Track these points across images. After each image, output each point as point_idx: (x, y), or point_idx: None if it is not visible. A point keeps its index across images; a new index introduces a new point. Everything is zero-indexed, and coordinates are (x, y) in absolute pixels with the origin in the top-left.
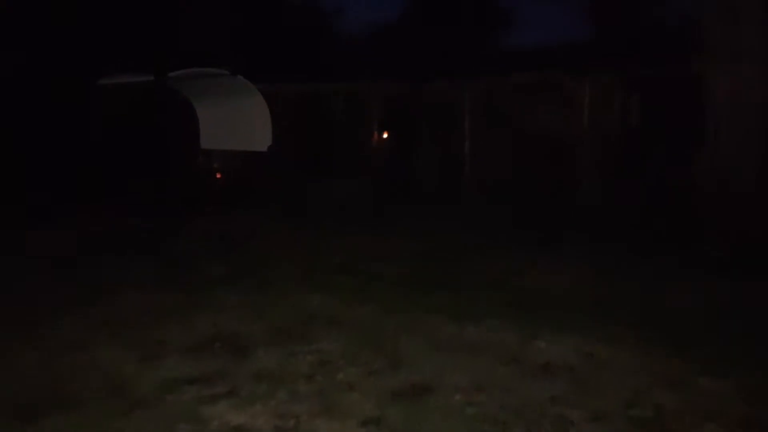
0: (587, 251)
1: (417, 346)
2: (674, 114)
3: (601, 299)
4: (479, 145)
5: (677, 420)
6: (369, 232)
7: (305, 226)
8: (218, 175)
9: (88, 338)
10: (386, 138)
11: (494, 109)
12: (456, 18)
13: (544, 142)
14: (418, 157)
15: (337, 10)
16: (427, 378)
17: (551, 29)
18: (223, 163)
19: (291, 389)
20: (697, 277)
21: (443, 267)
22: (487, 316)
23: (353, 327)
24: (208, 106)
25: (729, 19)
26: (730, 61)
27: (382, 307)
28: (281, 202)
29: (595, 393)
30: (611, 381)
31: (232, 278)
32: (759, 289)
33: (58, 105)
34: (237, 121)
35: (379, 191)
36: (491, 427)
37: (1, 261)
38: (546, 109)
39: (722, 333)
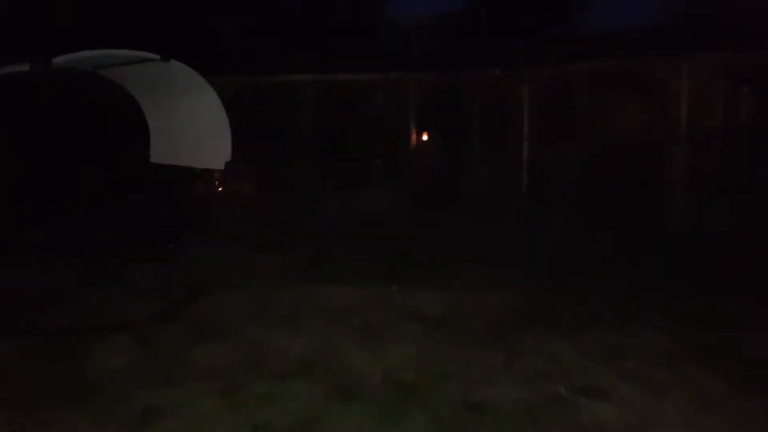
0: (697, 315)
1: None
2: None
3: None
4: (541, 148)
5: None
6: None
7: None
8: (218, 187)
9: None
10: (427, 140)
11: (560, 104)
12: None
13: (623, 146)
14: (466, 163)
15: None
16: None
17: (625, 13)
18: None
19: None
20: None
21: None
22: None
23: None
24: (150, 105)
25: None
26: None
27: None
28: (271, 227)
29: None
30: None
31: None
32: None
33: None
34: (183, 126)
35: (418, 205)
36: None
37: None
38: (627, 105)
39: None
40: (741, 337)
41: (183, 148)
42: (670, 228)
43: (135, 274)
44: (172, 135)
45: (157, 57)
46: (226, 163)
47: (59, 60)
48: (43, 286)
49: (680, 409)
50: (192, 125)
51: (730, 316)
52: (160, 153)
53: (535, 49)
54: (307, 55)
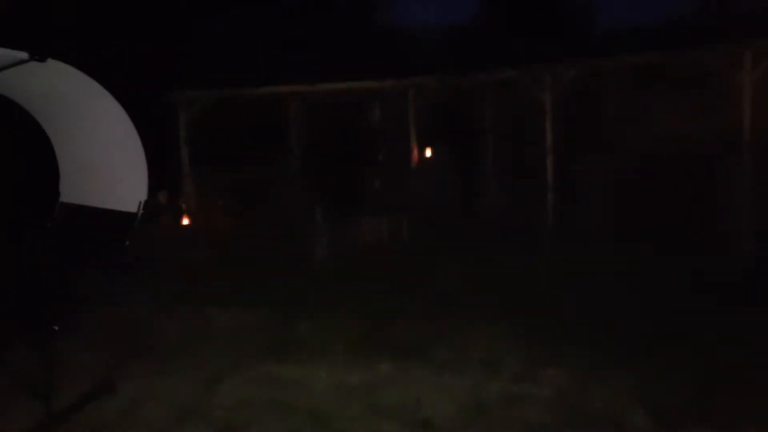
0: None
1: None
2: None
3: None
4: (568, 163)
5: None
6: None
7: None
8: (185, 219)
9: None
10: (432, 156)
11: (589, 110)
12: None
13: (668, 159)
14: (479, 183)
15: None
16: None
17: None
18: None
19: None
20: None
21: None
22: None
23: None
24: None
25: None
26: None
27: None
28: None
29: None
30: None
31: None
32: None
33: None
34: (80, 154)
35: (422, 234)
36: None
37: None
38: (672, 108)
39: None
40: None
41: (87, 183)
42: (735, 260)
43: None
44: (77, 165)
45: (25, 55)
46: (143, 203)
47: None
48: None
49: None
50: (89, 151)
51: None
52: (66, 188)
53: (557, 47)
54: (288, 63)
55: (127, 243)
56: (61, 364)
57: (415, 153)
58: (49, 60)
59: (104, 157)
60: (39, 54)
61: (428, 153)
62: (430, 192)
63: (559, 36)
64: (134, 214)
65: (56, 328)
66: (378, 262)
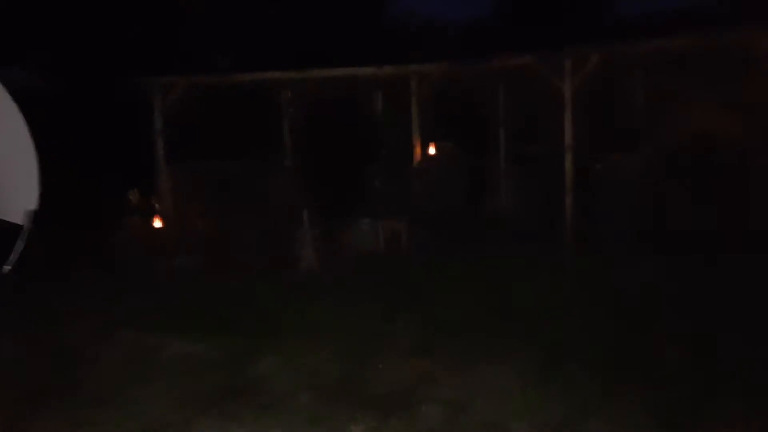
0: None
1: None
2: None
3: None
4: (590, 161)
5: None
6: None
7: None
8: (157, 220)
9: None
10: (437, 153)
11: (614, 99)
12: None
13: (702, 155)
14: (490, 183)
15: None
16: None
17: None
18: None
19: None
20: None
21: None
22: None
23: None
24: None
25: None
26: None
27: None
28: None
29: None
30: None
31: None
32: None
33: None
34: None
35: (426, 240)
36: None
37: None
38: (709, 98)
39: None
40: None
41: None
42: None
43: None
44: None
45: None
46: (28, 213)
47: None
48: None
49: None
50: None
51: None
52: None
53: (577, 30)
54: (278, 48)
55: (8, 266)
56: None
57: (419, 149)
58: None
59: None
60: None
61: (433, 149)
62: (435, 192)
63: (577, 22)
64: (19, 227)
65: None
66: (374, 273)
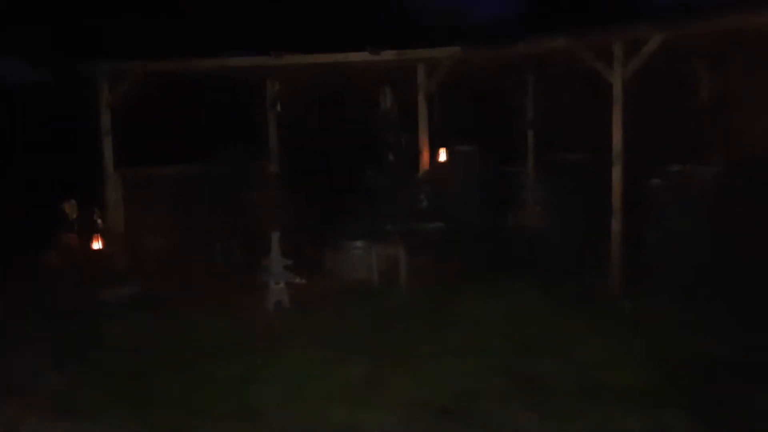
0: None
1: None
2: None
3: None
4: (645, 171)
5: None
6: None
7: None
8: (97, 240)
9: None
10: (450, 158)
11: (677, 94)
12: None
13: None
14: (514, 196)
15: None
16: None
17: None
18: None
19: None
20: None
21: None
22: None
23: None
24: None
25: None
26: None
27: None
28: None
29: None
30: None
31: None
32: None
33: None
34: None
35: (429, 268)
36: None
37: None
38: None
39: None
40: None
41: None
42: None
43: None
44: None
45: None
46: None
47: None
48: None
49: None
50: None
51: None
52: None
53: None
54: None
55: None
56: None
57: (427, 154)
58: None
59: None
60: None
61: (444, 155)
62: (446, 208)
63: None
64: None
65: None
66: (360, 315)
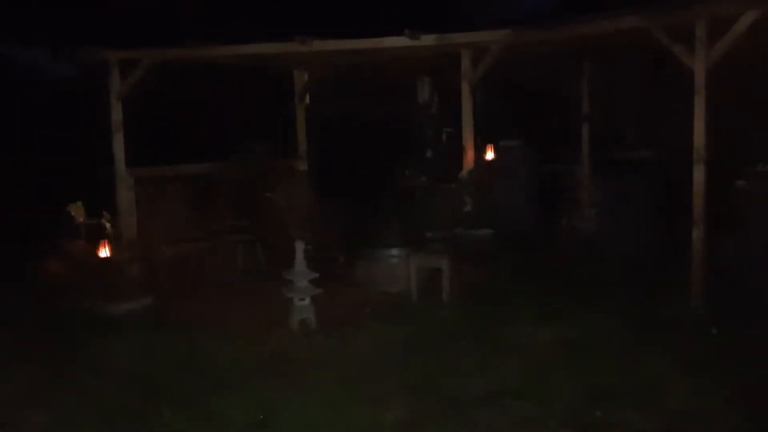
0: None
1: None
2: None
3: None
4: (729, 173)
5: None
6: None
7: None
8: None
9: None
10: (497, 156)
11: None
12: None
13: None
14: (570, 199)
15: None
16: None
17: None
18: None
19: None
20: None
21: None
22: None
23: None
24: None
25: None
26: None
27: None
28: None
29: None
30: None
31: None
32: None
33: None
34: None
35: (471, 285)
36: None
37: None
38: None
39: None
40: None
41: None
42: None
43: None
44: None
45: None
46: None
47: None
48: None
49: None
50: None
51: None
52: None
53: None
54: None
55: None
56: None
57: (471, 152)
58: None
59: None
60: None
61: (491, 153)
62: (493, 211)
63: None
64: None
65: None
66: (401, 334)
